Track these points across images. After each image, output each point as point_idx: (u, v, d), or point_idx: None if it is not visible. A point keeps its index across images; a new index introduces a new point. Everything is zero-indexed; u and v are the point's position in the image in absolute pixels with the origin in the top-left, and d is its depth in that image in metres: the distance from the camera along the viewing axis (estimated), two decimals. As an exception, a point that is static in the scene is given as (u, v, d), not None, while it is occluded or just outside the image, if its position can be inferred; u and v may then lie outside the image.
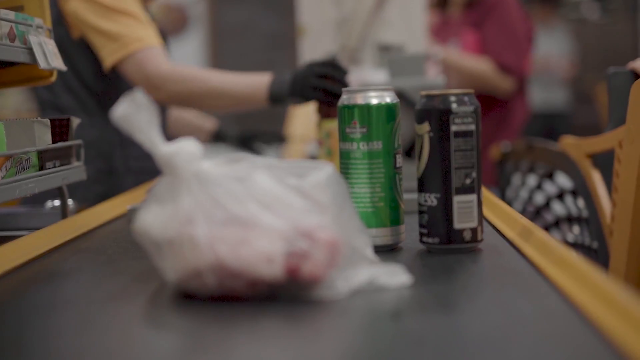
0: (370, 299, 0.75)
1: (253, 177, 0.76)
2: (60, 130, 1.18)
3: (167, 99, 1.92)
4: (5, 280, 0.88)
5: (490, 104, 3.12)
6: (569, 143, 1.59)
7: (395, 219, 0.99)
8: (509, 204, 1.84)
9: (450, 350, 0.60)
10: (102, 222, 1.27)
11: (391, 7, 2.68)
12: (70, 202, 1.27)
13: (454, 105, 0.94)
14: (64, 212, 1.24)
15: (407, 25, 2.69)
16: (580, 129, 3.24)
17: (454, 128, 0.94)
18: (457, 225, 0.95)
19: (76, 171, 1.22)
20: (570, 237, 1.65)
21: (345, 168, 0.99)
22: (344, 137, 1.00)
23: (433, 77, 1.91)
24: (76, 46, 2.00)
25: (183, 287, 0.76)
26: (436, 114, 0.95)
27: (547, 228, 1.75)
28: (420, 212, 0.98)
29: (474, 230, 0.96)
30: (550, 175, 1.77)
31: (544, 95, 5.69)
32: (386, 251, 0.98)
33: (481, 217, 0.97)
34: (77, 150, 1.24)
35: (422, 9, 2.72)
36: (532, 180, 1.90)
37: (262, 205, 0.74)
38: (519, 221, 1.04)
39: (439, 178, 0.95)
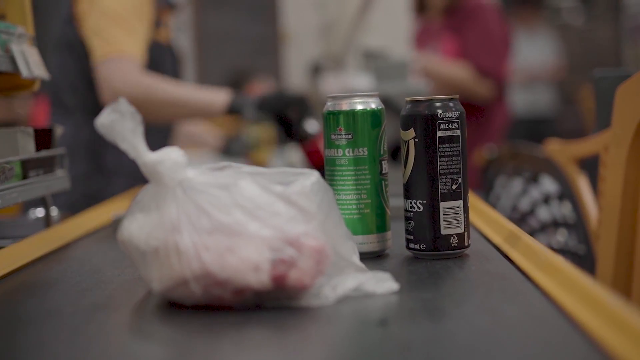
0: (357, 306, 0.74)
1: (238, 184, 0.75)
2: (43, 140, 1.17)
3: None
4: (-12, 291, 0.88)
5: (469, 110, 3.13)
6: (554, 148, 1.59)
7: (381, 226, 0.98)
8: (494, 208, 1.84)
9: (437, 357, 0.60)
10: (86, 231, 1.26)
11: (375, 12, 2.68)
12: (54, 211, 1.26)
13: (439, 111, 0.93)
14: (47, 221, 1.23)
15: (391, 30, 2.70)
16: (565, 133, 3.25)
17: (439, 134, 0.93)
18: (444, 231, 0.94)
19: (60, 180, 1.21)
20: (555, 242, 1.65)
21: (330, 175, 0.98)
22: (329, 144, 0.98)
23: (418, 83, 1.91)
24: (83, 46, 2.04)
25: (169, 296, 0.75)
26: (421, 120, 0.94)
27: (533, 233, 1.75)
28: (407, 219, 0.97)
29: (460, 236, 0.95)
30: (535, 179, 1.77)
31: (529, 99, 5.71)
32: (373, 258, 0.97)
33: (468, 222, 0.96)
34: (61, 159, 1.23)
35: (405, 13, 2.72)
36: (517, 184, 1.90)
37: (247, 213, 0.73)
38: (506, 226, 1.05)
39: (424, 184, 0.94)
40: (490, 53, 3.08)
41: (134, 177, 2.08)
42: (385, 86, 1.73)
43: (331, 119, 0.97)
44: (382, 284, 0.78)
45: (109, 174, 2.06)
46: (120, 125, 0.74)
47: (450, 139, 0.94)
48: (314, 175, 0.78)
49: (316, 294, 0.75)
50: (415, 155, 0.95)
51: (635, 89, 1.08)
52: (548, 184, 1.69)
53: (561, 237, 1.63)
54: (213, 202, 0.74)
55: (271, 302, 0.74)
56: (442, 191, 0.94)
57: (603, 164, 1.24)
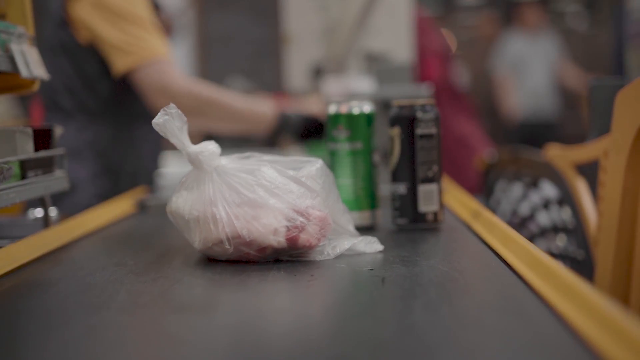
0: (350, 260, 0.99)
1: (260, 169, 0.99)
2: (42, 140, 1.17)
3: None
4: (-15, 291, 0.87)
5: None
6: (554, 153, 1.59)
7: (372, 205, 1.24)
8: (493, 211, 1.83)
9: (406, 287, 0.84)
10: (85, 232, 1.26)
11: (377, 15, 2.68)
12: (53, 211, 1.26)
13: (418, 114, 1.19)
14: (46, 222, 1.23)
15: (393, 33, 2.69)
16: (568, 138, 3.27)
17: (418, 132, 1.19)
18: (422, 208, 1.20)
19: (58, 181, 1.21)
20: (555, 247, 1.64)
21: (332, 163, 1.23)
22: (331, 138, 1.24)
23: (419, 86, 1.91)
24: (81, 49, 2.02)
25: (207, 253, 1.00)
26: (405, 120, 1.19)
27: (532, 238, 1.75)
28: (393, 199, 1.22)
29: (435, 213, 1.21)
30: (535, 184, 1.77)
31: (531, 103, 5.70)
32: (365, 230, 1.19)
33: (441, 202, 1.21)
34: (60, 159, 1.23)
35: (408, 16, 2.72)
36: (517, 189, 1.90)
37: (268, 191, 0.97)
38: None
39: (407, 171, 1.20)
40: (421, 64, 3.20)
41: (136, 175, 2.10)
42: (386, 89, 1.73)
43: (333, 119, 1.23)
44: (371, 245, 1.03)
45: (116, 174, 2.08)
46: (170, 124, 0.96)
47: (428, 136, 1.19)
48: (318, 162, 1.03)
49: (320, 251, 1.00)
50: (400, 148, 1.20)
51: (635, 95, 1.08)
52: (548, 189, 1.69)
53: (560, 242, 1.62)
54: (241, 183, 0.98)
55: (286, 257, 0.99)
56: (421, 177, 1.20)
57: (603, 169, 1.23)
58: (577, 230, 1.51)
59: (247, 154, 1.04)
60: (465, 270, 0.91)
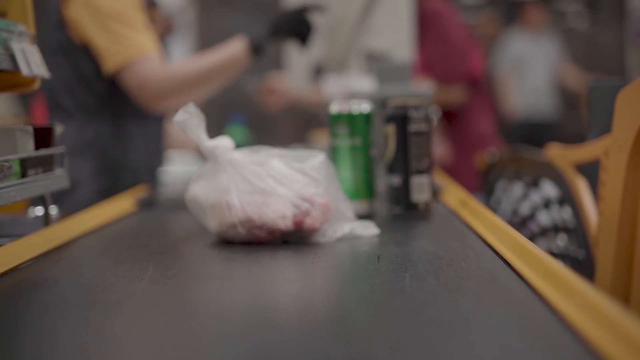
0: (350, 242, 1.12)
1: (270, 161, 1.12)
2: (43, 138, 1.17)
3: (166, 100, 2.00)
4: (-15, 289, 0.88)
5: (453, 117, 3.15)
6: (555, 152, 1.59)
7: (370, 194, 1.38)
8: (494, 211, 1.83)
9: (399, 262, 0.96)
10: (85, 230, 1.26)
11: (378, 14, 2.68)
12: (53, 209, 1.26)
13: (411, 113, 1.33)
14: (46, 220, 1.23)
15: (394, 32, 2.69)
16: (568, 137, 3.26)
17: (411, 129, 1.33)
18: (414, 198, 1.34)
19: (59, 179, 1.21)
20: (555, 247, 1.64)
21: (334, 157, 1.35)
22: (334, 135, 1.36)
23: (419, 85, 1.91)
24: (78, 49, 2.03)
25: (222, 236, 1.13)
26: (399, 119, 1.33)
27: (533, 237, 1.75)
28: (389, 189, 1.37)
29: (426, 203, 1.35)
30: (535, 183, 1.77)
31: (531, 103, 5.70)
32: (363, 217, 1.29)
33: (432, 193, 1.36)
34: (60, 157, 1.23)
35: (409, 15, 2.71)
36: (518, 188, 1.90)
37: (276, 181, 1.11)
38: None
39: (401, 164, 1.34)
40: (450, 58, 3.10)
41: (138, 172, 2.11)
42: (387, 88, 1.73)
43: (335, 118, 1.36)
44: (368, 229, 1.16)
45: (117, 170, 2.09)
46: (190, 122, 1.09)
47: (419, 133, 1.34)
48: (322, 155, 1.15)
49: (323, 234, 1.12)
50: (395, 143, 1.34)
51: (636, 95, 1.08)
52: (548, 189, 1.69)
53: (561, 241, 1.62)
54: (252, 173, 1.11)
55: (293, 239, 1.12)
56: (413, 169, 1.34)
57: (603, 169, 1.23)
58: (577, 230, 1.51)
59: (258, 147, 1.15)
60: (450, 250, 1.04)
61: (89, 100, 2.06)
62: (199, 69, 2.02)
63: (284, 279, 0.93)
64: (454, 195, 1.52)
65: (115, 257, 1.06)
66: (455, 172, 3.07)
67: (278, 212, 1.08)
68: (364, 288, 0.84)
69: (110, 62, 1.97)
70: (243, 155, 1.12)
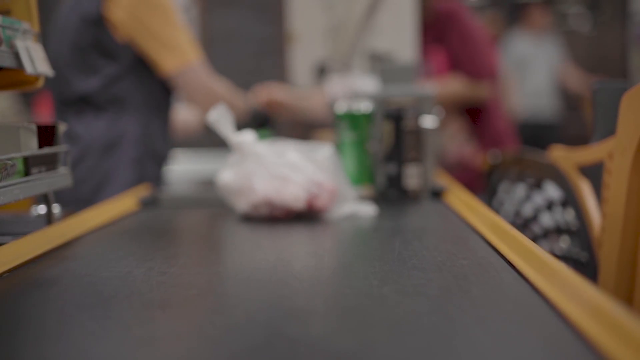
0: (353, 220, 1.35)
1: (286, 153, 1.37)
2: (46, 136, 1.17)
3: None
4: (-12, 287, 0.88)
5: (474, 114, 3.15)
6: (558, 154, 1.58)
7: (370, 181, 1.67)
8: (497, 212, 1.83)
9: (391, 232, 1.21)
10: (88, 229, 1.26)
11: (382, 14, 2.67)
12: (56, 208, 1.25)
13: (404, 113, 1.61)
14: (49, 219, 1.23)
15: (398, 32, 2.69)
16: (569, 139, 3.26)
17: (406, 127, 1.62)
18: (407, 185, 1.63)
19: (62, 177, 1.21)
20: (558, 249, 1.64)
21: (339, 149, 1.64)
22: (339, 131, 1.65)
23: (422, 86, 1.91)
24: (117, 47, 2.11)
25: (248, 214, 1.37)
26: (394, 117, 1.61)
27: (535, 239, 1.74)
28: (386, 177, 1.63)
29: (416, 190, 1.63)
30: (538, 185, 1.77)
31: (532, 104, 5.69)
32: (364, 199, 1.54)
33: (423, 179, 1.62)
34: (64, 156, 1.23)
35: (413, 15, 2.71)
36: (520, 190, 1.90)
37: (292, 169, 1.35)
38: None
39: (397, 155, 1.63)
40: (477, 54, 3.11)
41: (163, 162, 2.22)
42: (390, 89, 1.73)
43: (340, 117, 1.65)
44: (368, 209, 1.39)
45: (151, 160, 2.21)
46: (223, 120, 1.34)
47: (413, 131, 1.62)
48: (329, 148, 1.40)
49: (330, 213, 1.36)
50: (391, 139, 1.61)
51: (641, 97, 1.07)
52: (551, 190, 1.68)
53: (564, 243, 1.62)
54: (272, 163, 1.36)
55: (305, 217, 1.36)
56: (406, 159, 1.62)
57: (607, 171, 1.23)
58: (580, 232, 1.50)
59: (276, 141, 1.40)
60: (433, 223, 1.33)
61: (121, 94, 2.14)
62: (229, 98, 2.25)
63: (299, 246, 1.15)
64: (457, 196, 1.59)
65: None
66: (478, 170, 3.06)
67: (293, 194, 1.33)
68: (363, 249, 1.11)
69: (172, 62, 2.12)
70: (264, 148, 1.37)
